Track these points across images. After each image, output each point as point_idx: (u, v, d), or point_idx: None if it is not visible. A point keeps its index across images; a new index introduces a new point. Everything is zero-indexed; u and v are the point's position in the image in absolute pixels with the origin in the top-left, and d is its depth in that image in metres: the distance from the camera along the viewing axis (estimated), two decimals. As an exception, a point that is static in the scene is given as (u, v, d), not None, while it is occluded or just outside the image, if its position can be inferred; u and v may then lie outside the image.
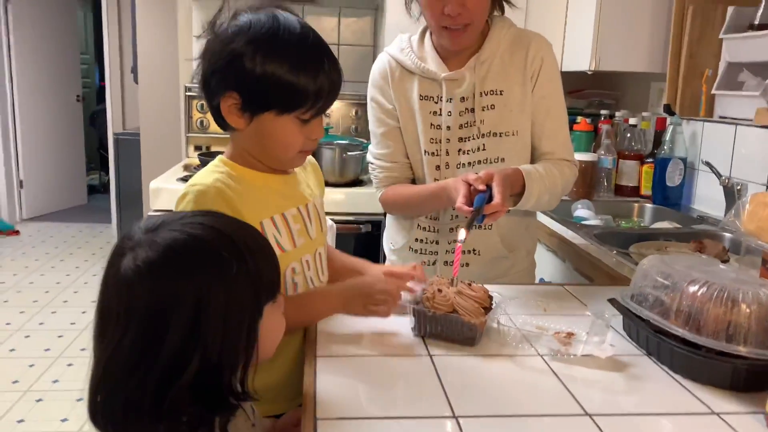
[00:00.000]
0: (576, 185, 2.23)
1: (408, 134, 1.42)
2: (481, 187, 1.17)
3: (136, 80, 4.62)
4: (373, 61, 2.85)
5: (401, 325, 1.03)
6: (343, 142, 2.41)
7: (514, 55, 1.37)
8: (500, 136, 1.36)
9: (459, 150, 1.38)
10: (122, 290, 0.71)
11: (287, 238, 1.02)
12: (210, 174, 0.99)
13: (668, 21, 2.21)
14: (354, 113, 2.80)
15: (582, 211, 2.06)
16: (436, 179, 1.39)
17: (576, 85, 2.83)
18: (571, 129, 2.47)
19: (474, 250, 1.41)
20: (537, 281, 1.86)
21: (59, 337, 3.15)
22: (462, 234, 1.06)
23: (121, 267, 0.72)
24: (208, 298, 0.70)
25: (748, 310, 0.83)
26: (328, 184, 2.40)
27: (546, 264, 1.83)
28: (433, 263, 1.46)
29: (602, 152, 2.29)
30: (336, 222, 2.20)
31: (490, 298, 1.02)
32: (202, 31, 0.97)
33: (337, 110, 2.79)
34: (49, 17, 5.44)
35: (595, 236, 1.69)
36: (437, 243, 1.44)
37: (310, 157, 1.16)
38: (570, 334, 0.97)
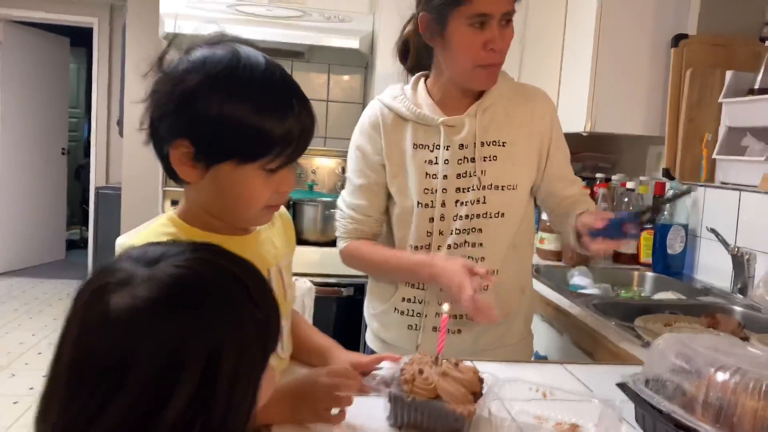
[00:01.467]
0: (572, 251, 2.10)
1: (396, 186, 1.31)
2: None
3: (121, 133, 4.56)
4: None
5: (375, 410, 0.87)
6: (326, 200, 2.29)
7: (518, 107, 1.31)
8: (502, 189, 1.28)
9: (456, 201, 1.28)
10: (114, 336, 0.55)
11: None
12: (150, 236, 0.84)
13: (666, 83, 2.14)
14: (340, 170, 2.69)
15: (579, 278, 1.93)
16: (428, 232, 1.29)
17: (570, 147, 2.74)
18: (565, 192, 2.38)
19: (466, 315, 1.27)
20: (533, 355, 1.70)
21: (14, 403, 2.92)
22: (446, 306, 0.91)
23: (110, 307, 0.56)
24: (222, 349, 0.56)
25: (791, 407, 0.68)
26: (308, 242, 2.29)
27: (542, 336, 1.68)
28: (419, 328, 1.32)
29: (599, 217, 2.17)
30: (315, 284, 2.05)
31: (481, 381, 0.87)
32: (148, 68, 0.83)
33: (323, 167, 2.69)
34: (41, 68, 5.40)
35: (594, 306, 1.55)
36: (426, 303, 1.31)
37: (282, 209, 1.02)
38: (574, 427, 0.82)
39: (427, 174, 1.28)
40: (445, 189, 1.27)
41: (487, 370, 1.03)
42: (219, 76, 0.79)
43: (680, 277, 2.01)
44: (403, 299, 1.33)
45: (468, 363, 0.90)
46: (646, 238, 2.14)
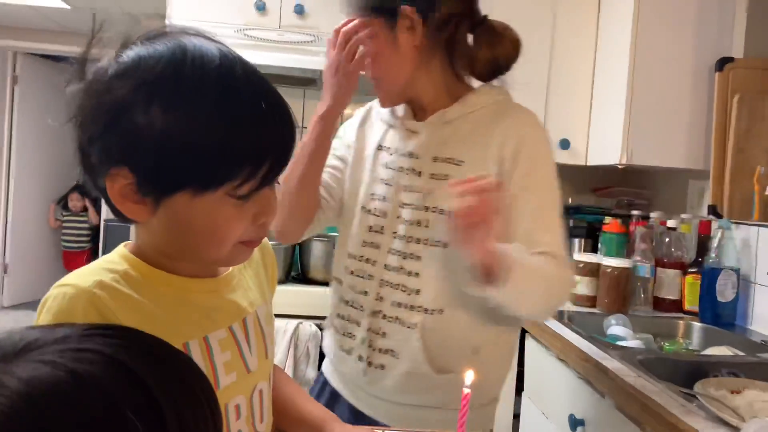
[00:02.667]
0: (609, 296, 1.89)
1: (350, 183, 1.20)
2: None
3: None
4: (376, 149, 2.60)
5: None
6: (336, 235, 2.10)
7: (488, 125, 1.10)
8: (448, 215, 1.05)
9: (397, 216, 1.11)
10: None
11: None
12: (94, 272, 0.65)
13: (709, 111, 1.95)
14: (353, 205, 2.51)
15: (617, 328, 1.70)
16: (364, 242, 1.14)
17: (602, 181, 2.54)
18: (598, 230, 2.16)
19: (392, 350, 1.10)
20: (567, 417, 1.48)
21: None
22: (470, 376, 0.70)
23: None
24: None
25: None
26: (314, 282, 2.10)
27: (578, 396, 1.46)
28: (350, 352, 1.15)
29: (638, 258, 1.95)
30: (321, 328, 1.86)
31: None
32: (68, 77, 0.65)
33: (335, 201, 2.51)
34: (57, 100, 5.31)
35: (640, 364, 1.32)
36: (357, 324, 1.14)
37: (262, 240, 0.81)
38: None
39: (380, 178, 1.14)
40: (385, 197, 1.12)
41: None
42: (158, 81, 0.60)
43: (732, 329, 1.77)
44: (338, 315, 1.20)
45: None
46: (691, 283, 1.92)
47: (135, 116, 0.60)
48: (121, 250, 0.69)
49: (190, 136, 0.60)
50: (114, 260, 0.68)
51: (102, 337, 0.44)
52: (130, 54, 0.62)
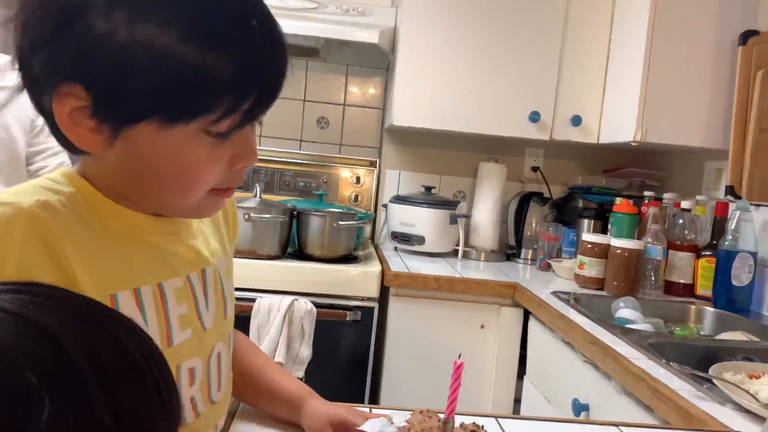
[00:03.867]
0: (618, 278, 1.81)
1: None
2: None
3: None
4: (382, 125, 2.51)
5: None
6: (335, 210, 2.03)
7: None
8: None
9: None
10: None
11: (158, 331, 0.59)
12: (36, 191, 0.54)
13: (731, 88, 1.85)
14: (355, 180, 2.43)
15: (626, 311, 1.62)
16: None
17: (611, 162, 2.45)
18: (608, 211, 2.08)
19: None
20: (571, 402, 1.40)
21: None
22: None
23: None
24: None
25: None
26: (311, 258, 2.01)
27: (583, 380, 1.38)
28: None
29: (649, 240, 1.87)
30: (317, 306, 1.79)
31: (510, 458, 0.59)
32: None
33: (336, 176, 2.43)
34: None
35: (651, 347, 1.25)
36: None
37: None
38: None
39: None
40: None
41: (507, 429, 0.75)
42: None
43: (747, 314, 1.69)
44: None
45: (472, 418, 0.61)
46: (705, 267, 1.83)
47: (93, 20, 0.50)
48: (66, 170, 0.59)
49: (160, 51, 0.50)
50: (58, 180, 0.57)
51: (12, 290, 0.36)
52: None
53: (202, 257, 0.66)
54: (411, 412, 0.64)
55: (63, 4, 0.51)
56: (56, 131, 0.55)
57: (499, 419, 0.82)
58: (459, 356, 0.59)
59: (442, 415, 0.60)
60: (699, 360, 1.25)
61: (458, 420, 0.63)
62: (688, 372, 1.04)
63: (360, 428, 0.67)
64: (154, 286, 0.59)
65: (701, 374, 1.01)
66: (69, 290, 0.41)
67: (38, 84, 0.53)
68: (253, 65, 0.54)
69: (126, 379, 0.35)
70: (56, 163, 1.64)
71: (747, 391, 0.96)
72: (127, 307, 0.56)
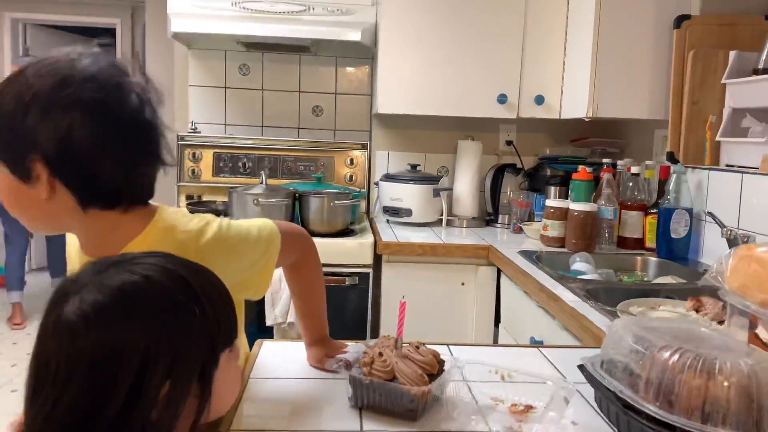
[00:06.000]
0: (575, 237, 2.11)
1: None
2: None
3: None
4: (370, 109, 2.80)
5: (338, 392, 0.91)
6: (332, 191, 2.33)
7: None
8: None
9: None
10: (64, 339, 0.61)
11: None
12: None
13: (668, 66, 2.12)
14: (349, 161, 2.73)
15: (580, 264, 1.93)
16: None
17: (577, 132, 2.73)
18: (570, 178, 2.37)
19: None
20: (529, 339, 1.72)
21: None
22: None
23: (63, 312, 0.62)
24: (158, 347, 0.61)
25: (726, 384, 0.70)
26: (313, 233, 2.31)
27: (537, 321, 1.70)
28: None
29: (602, 202, 2.16)
30: (320, 274, 2.10)
31: (441, 363, 0.90)
32: None
33: (331, 159, 2.73)
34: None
35: (587, 292, 1.56)
36: None
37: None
38: (528, 408, 0.84)
39: None
40: None
41: (455, 353, 1.06)
42: None
43: (685, 262, 1.99)
44: None
45: (431, 346, 0.93)
46: (651, 222, 2.13)
47: None
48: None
49: None
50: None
51: (157, 257, 0.68)
52: None
53: None
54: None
55: None
56: None
57: (449, 346, 1.13)
58: (402, 297, 0.90)
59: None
60: (630, 299, 1.56)
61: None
62: (601, 308, 1.35)
63: (345, 351, 0.98)
64: None
65: (609, 308, 1.32)
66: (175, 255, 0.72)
67: None
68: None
69: (218, 302, 0.68)
70: None
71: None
72: None
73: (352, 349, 0.94)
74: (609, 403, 0.83)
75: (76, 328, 0.60)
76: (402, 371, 0.85)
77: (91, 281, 0.63)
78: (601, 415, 0.87)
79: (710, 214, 1.80)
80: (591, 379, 0.86)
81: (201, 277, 0.69)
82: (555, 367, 1.06)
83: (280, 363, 1.06)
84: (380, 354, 0.87)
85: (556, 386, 0.83)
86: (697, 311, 1.27)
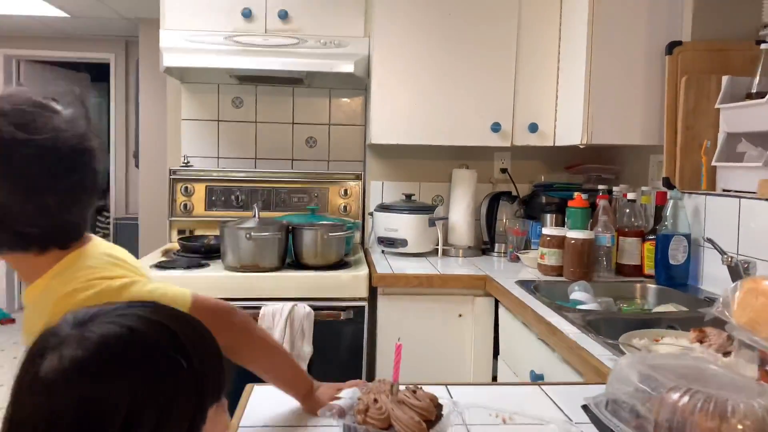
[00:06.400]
0: (573, 265, 2.08)
1: None
2: None
3: (137, 164, 4.66)
4: (364, 139, 2.79)
5: (333, 441, 0.87)
6: (326, 223, 2.30)
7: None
8: None
9: None
10: (41, 397, 0.57)
11: None
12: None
13: (662, 92, 2.12)
14: (343, 192, 2.71)
15: (579, 293, 1.89)
16: None
17: (572, 159, 2.72)
18: (565, 205, 2.35)
19: None
20: (529, 373, 1.68)
21: None
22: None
23: (40, 370, 0.58)
24: (143, 403, 0.57)
25: (740, 427, 0.66)
26: (307, 267, 2.29)
27: (537, 354, 1.65)
28: None
29: (599, 229, 2.14)
30: (314, 308, 2.06)
31: (439, 407, 0.86)
32: None
33: (325, 191, 2.71)
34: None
35: (587, 323, 1.52)
36: None
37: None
38: (532, 453, 0.81)
39: None
40: None
41: (454, 394, 1.02)
42: None
43: (685, 289, 1.96)
44: None
45: (428, 387, 0.89)
46: (649, 249, 2.10)
47: None
48: None
49: None
50: None
51: (141, 307, 0.65)
52: None
53: None
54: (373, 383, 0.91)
55: None
56: None
57: (448, 386, 1.09)
58: (398, 339, 0.86)
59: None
60: (633, 330, 1.52)
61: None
62: (602, 341, 1.31)
63: (339, 396, 0.94)
64: None
65: (610, 341, 1.29)
66: (162, 304, 0.68)
67: None
68: None
69: (207, 353, 0.64)
70: None
71: (648, 351, 1.23)
72: None
73: (346, 394, 0.90)
74: (616, 447, 0.79)
75: (55, 386, 0.57)
76: (398, 419, 0.81)
77: (70, 335, 0.60)
78: (608, 459, 0.83)
79: (709, 240, 1.78)
80: (596, 422, 0.83)
81: (188, 328, 0.66)
82: (558, 407, 1.02)
83: (272, 409, 1.02)
84: (375, 400, 0.83)
85: (560, 429, 0.79)
86: (700, 342, 1.24)
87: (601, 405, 0.83)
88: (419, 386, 0.88)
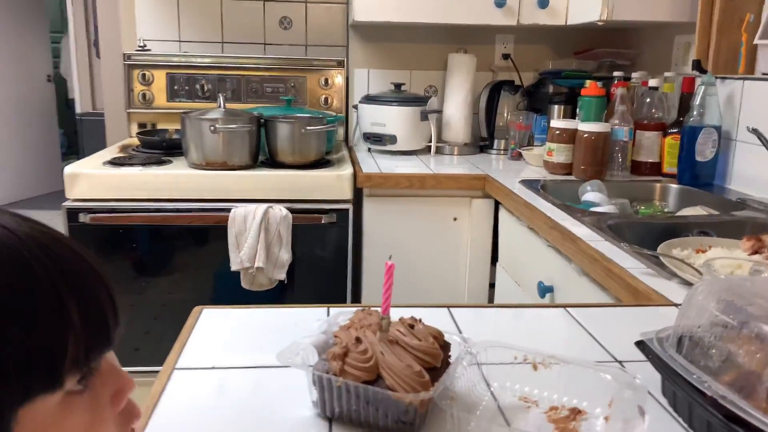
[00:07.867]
0: (585, 162, 1.83)
1: None
2: None
3: (98, 54, 4.23)
4: (347, 19, 2.43)
5: (300, 393, 0.64)
6: (303, 116, 2.01)
7: None
8: None
9: None
10: None
11: None
12: None
13: (698, -44, 1.78)
14: (324, 81, 2.39)
15: (592, 194, 1.65)
16: None
17: (583, 43, 2.40)
18: (577, 94, 2.07)
19: None
20: (536, 285, 1.47)
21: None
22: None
23: None
24: None
25: None
26: (283, 165, 2.00)
27: (546, 264, 1.44)
28: None
29: (616, 121, 1.87)
30: (292, 211, 1.82)
31: (447, 347, 0.63)
32: None
33: (303, 79, 2.38)
34: (13, -9, 5.02)
35: (609, 229, 1.29)
36: None
37: None
38: (576, 413, 0.58)
39: None
40: None
41: (461, 317, 0.79)
42: None
43: (710, 189, 1.73)
44: None
45: (427, 310, 0.65)
46: (671, 144, 1.85)
47: None
48: None
49: None
50: None
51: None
52: None
53: None
54: (354, 311, 0.68)
55: None
56: None
57: (450, 309, 0.87)
58: (390, 258, 0.62)
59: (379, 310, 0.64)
60: (659, 237, 1.29)
61: (400, 313, 0.67)
62: (638, 251, 1.08)
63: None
64: None
65: (649, 252, 1.06)
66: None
67: None
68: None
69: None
70: None
71: (691, 266, 1.00)
72: None
73: (316, 324, 0.66)
74: (694, 407, 0.57)
75: None
76: (390, 367, 0.57)
77: None
78: (676, 416, 0.61)
79: (755, 131, 1.52)
80: (665, 369, 0.60)
81: (59, 246, 0.40)
82: (595, 339, 0.80)
83: (219, 345, 0.78)
84: (358, 340, 0.60)
85: (619, 383, 0.56)
86: (758, 252, 1.01)
87: (670, 345, 0.60)
88: (418, 319, 0.64)
